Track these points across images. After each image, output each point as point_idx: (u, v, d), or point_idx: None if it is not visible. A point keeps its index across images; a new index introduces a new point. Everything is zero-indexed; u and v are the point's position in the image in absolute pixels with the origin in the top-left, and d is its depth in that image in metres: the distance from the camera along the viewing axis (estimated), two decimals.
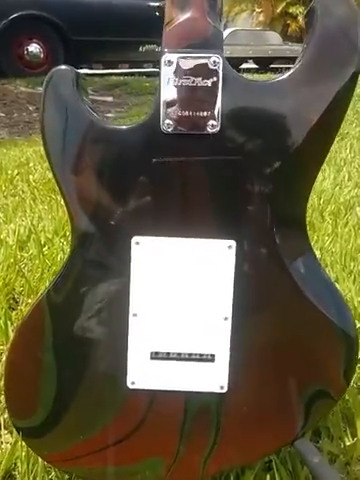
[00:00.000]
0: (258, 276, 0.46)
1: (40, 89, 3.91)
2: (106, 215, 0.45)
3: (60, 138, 0.45)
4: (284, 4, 12.16)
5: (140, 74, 5.73)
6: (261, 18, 12.62)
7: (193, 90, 0.43)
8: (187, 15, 0.43)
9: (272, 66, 7.65)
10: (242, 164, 0.44)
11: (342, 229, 1.33)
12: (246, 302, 0.46)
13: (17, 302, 1.02)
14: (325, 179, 1.82)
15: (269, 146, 0.44)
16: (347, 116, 3.28)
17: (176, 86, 0.43)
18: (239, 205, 0.45)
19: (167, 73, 0.43)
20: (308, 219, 1.38)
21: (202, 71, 0.43)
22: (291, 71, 0.44)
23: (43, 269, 1.08)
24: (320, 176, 1.85)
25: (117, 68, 6.10)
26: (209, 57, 0.43)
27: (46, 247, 1.15)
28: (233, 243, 0.45)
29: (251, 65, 8.04)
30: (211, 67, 0.43)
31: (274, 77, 0.45)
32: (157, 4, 6.14)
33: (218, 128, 0.43)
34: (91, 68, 6.05)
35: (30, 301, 1.00)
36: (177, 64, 0.43)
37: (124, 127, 0.45)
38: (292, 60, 6.62)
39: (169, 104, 0.43)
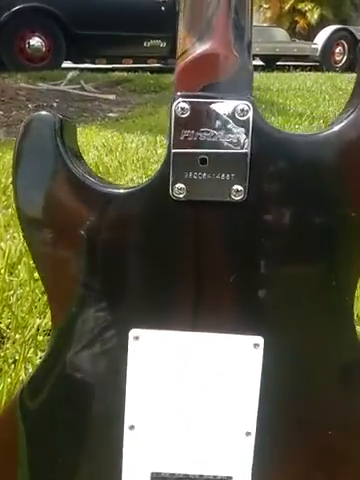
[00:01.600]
0: (292, 381, 0.36)
1: (41, 85, 3.79)
2: (97, 301, 0.35)
3: (38, 204, 0.35)
4: (292, 0, 11.98)
5: (144, 70, 5.60)
6: (268, 14, 12.45)
7: (213, 146, 0.32)
8: (206, 46, 0.32)
9: (279, 64, 7.51)
10: (274, 240, 0.34)
11: None
12: (275, 414, 0.36)
13: (3, 337, 0.92)
14: None
15: (310, 218, 0.34)
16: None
17: (191, 141, 0.33)
18: (270, 291, 0.35)
19: (179, 123, 0.33)
20: None
21: (226, 123, 0.32)
22: (342, 123, 0.34)
23: (33, 299, 0.98)
24: None
25: (121, 63, 5.97)
26: (235, 105, 0.32)
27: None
28: (260, 340, 0.35)
29: (258, 62, 7.91)
30: (238, 117, 0.32)
31: (320, 129, 0.35)
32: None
33: (245, 195, 0.33)
34: (94, 63, 5.92)
35: (18, 337, 0.90)
36: (192, 112, 0.32)
37: (122, 191, 0.34)
38: (299, 58, 6.50)
39: (181, 163, 0.33)
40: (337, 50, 8.15)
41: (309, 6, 12.11)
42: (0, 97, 3.35)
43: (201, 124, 0.32)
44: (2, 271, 1.06)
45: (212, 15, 0.32)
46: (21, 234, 1.27)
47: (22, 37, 5.38)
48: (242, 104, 0.32)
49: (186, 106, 0.32)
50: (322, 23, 11.53)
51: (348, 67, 8.03)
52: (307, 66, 7.01)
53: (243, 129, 0.32)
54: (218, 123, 0.32)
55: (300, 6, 12.27)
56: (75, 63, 5.88)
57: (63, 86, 4.20)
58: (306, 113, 3.22)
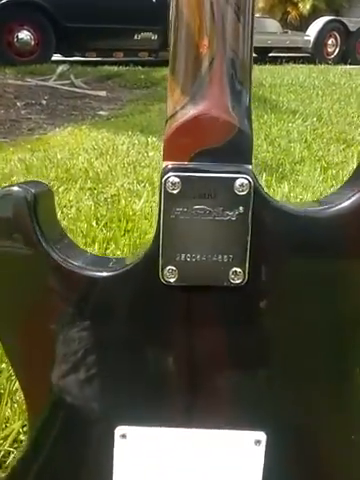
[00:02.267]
0: None
1: (29, 80, 3.70)
2: (79, 396, 0.31)
3: (9, 292, 0.31)
4: None
5: (135, 63, 5.51)
6: (261, 4, 12.32)
7: (209, 225, 0.28)
8: (199, 108, 0.28)
9: (271, 55, 7.44)
10: (276, 328, 0.30)
11: None
12: None
13: None
14: None
15: (318, 304, 0.30)
16: (352, 119, 3.13)
17: (182, 219, 0.29)
18: (273, 383, 0.31)
19: (170, 200, 0.29)
20: None
21: (223, 198, 0.28)
22: (353, 197, 0.30)
23: None
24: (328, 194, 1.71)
25: (111, 57, 5.88)
26: (234, 179, 0.28)
27: None
28: (262, 436, 0.31)
29: None
30: (237, 193, 0.28)
31: (329, 205, 0.31)
32: None
33: (245, 278, 0.29)
34: (84, 56, 5.82)
35: (4, 366, 0.86)
36: (185, 187, 0.28)
37: (106, 274, 0.30)
38: (292, 50, 6.44)
39: (172, 243, 0.29)
40: (329, 42, 8.09)
41: None
42: None
43: (195, 201, 0.28)
44: None
45: (206, 71, 0.28)
46: None
47: (10, 30, 5.27)
48: (241, 178, 0.28)
49: (177, 180, 0.28)
50: (314, 13, 11.44)
51: (340, 59, 7.98)
52: (299, 58, 6.95)
53: (242, 206, 0.28)
54: (214, 200, 0.28)
55: None
56: (65, 56, 5.77)
57: (52, 82, 4.12)
58: (299, 110, 3.17)
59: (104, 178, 1.78)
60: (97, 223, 1.40)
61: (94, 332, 0.30)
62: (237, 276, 0.29)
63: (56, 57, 5.67)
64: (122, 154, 2.08)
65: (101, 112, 3.20)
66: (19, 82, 3.93)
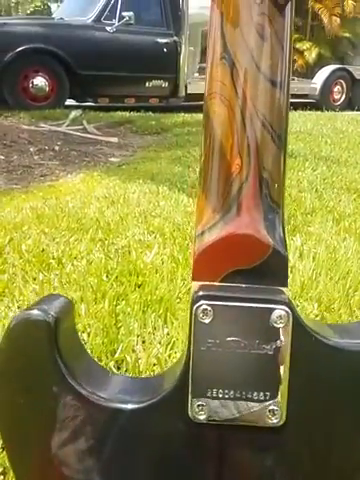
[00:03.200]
0: None
1: (43, 126, 3.80)
2: None
3: (27, 426, 0.28)
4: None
5: (146, 109, 5.66)
6: None
7: (243, 359, 0.26)
8: (231, 227, 0.27)
9: None
10: (316, 474, 0.27)
11: None
12: None
13: None
14: (346, 254, 1.65)
15: None
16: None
17: (215, 351, 0.26)
18: None
19: (201, 330, 0.27)
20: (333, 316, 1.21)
21: (259, 330, 0.26)
22: None
23: None
24: (341, 250, 1.69)
25: (123, 102, 6.05)
26: (271, 309, 0.26)
27: None
28: None
29: None
30: (274, 325, 0.26)
31: None
32: (165, 41, 6.12)
33: (282, 418, 0.26)
34: (97, 102, 6.00)
35: None
36: (217, 316, 0.26)
37: (130, 406, 0.28)
38: (299, 97, 6.58)
39: (203, 377, 0.26)
40: (336, 89, 8.31)
41: (307, 45, 12.41)
42: (1, 140, 3.34)
43: (228, 331, 0.26)
44: None
45: (239, 191, 0.27)
46: (16, 305, 1.21)
47: (26, 76, 5.47)
48: (279, 309, 0.26)
49: (209, 309, 0.26)
50: (320, 61, 11.79)
51: (347, 105, 8.16)
52: (306, 104, 7.10)
53: (280, 339, 0.26)
54: (249, 331, 0.26)
55: (298, 45, 12.57)
56: (78, 102, 5.95)
57: (65, 127, 4.22)
58: (309, 159, 3.20)
59: (115, 228, 1.78)
60: (107, 277, 1.38)
61: (118, 467, 0.27)
62: (274, 415, 0.26)
63: (69, 102, 5.84)
64: (133, 203, 2.09)
65: (113, 159, 3.25)
66: (33, 127, 4.03)
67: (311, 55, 12.51)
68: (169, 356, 1.02)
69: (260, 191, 0.27)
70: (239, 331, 0.26)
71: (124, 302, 1.23)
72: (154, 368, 0.97)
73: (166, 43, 6.20)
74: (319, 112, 6.43)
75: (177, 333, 1.10)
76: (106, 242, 1.64)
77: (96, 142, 3.76)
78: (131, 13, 5.68)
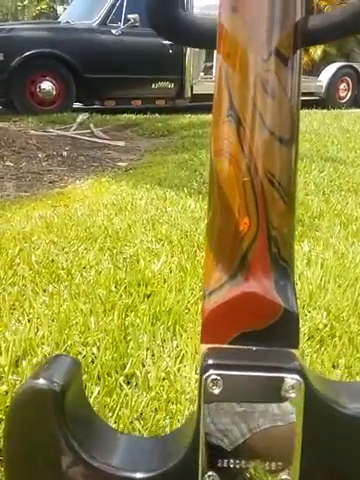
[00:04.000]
0: None
1: (51, 130, 3.81)
2: None
3: None
4: None
5: (152, 111, 5.67)
6: None
7: (254, 429, 0.27)
8: (240, 287, 0.27)
9: None
10: None
11: None
12: None
13: None
14: (354, 259, 1.65)
15: None
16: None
17: (225, 421, 0.27)
18: None
19: (211, 399, 0.27)
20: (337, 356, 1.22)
21: (269, 399, 0.26)
22: None
23: None
24: (350, 255, 1.69)
25: (130, 104, 6.06)
26: (283, 378, 0.26)
27: None
28: None
29: None
30: (286, 395, 0.26)
31: None
32: (171, 42, 6.12)
33: None
34: (103, 105, 6.01)
35: None
36: (227, 386, 0.27)
37: (139, 475, 0.28)
38: (305, 95, 6.55)
39: (213, 447, 0.27)
40: (341, 86, 8.25)
41: None
42: (10, 147, 3.37)
43: (239, 402, 0.27)
44: (6, 369, 1.01)
45: (248, 250, 0.27)
46: (27, 318, 1.22)
47: (33, 81, 5.50)
48: (291, 378, 0.26)
49: (218, 379, 0.27)
50: (325, 59, 11.72)
51: (353, 103, 8.10)
52: (312, 102, 7.05)
53: (292, 408, 0.26)
54: (260, 400, 0.26)
55: None
56: (85, 105, 5.97)
57: (73, 131, 4.24)
58: (315, 160, 3.19)
59: (123, 236, 1.79)
60: (116, 287, 1.40)
61: None
62: None
63: (76, 105, 5.87)
64: (141, 210, 2.10)
65: (120, 163, 3.26)
66: (41, 132, 4.05)
67: (316, 52, 12.43)
68: (178, 370, 1.03)
69: (269, 250, 0.27)
70: (250, 401, 0.27)
71: (133, 314, 1.25)
72: (163, 383, 0.98)
73: (171, 44, 6.19)
74: (325, 110, 6.39)
75: (186, 345, 1.11)
76: (114, 251, 1.66)
77: (104, 146, 3.78)
78: (136, 15, 5.68)
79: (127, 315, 1.25)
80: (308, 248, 1.75)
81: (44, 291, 1.38)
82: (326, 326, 1.24)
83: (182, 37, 0.32)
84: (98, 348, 1.10)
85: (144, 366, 1.07)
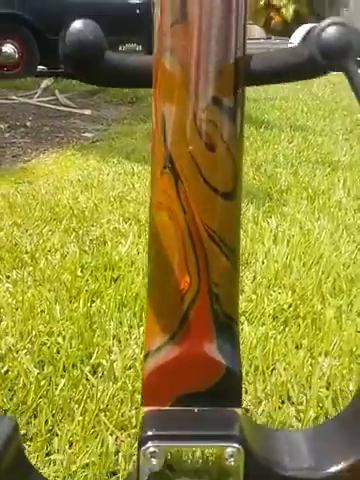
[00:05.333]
0: None
1: (14, 98, 3.65)
2: None
3: None
4: None
5: None
6: None
7: None
8: (181, 347, 0.26)
9: None
10: None
11: (347, 323, 1.19)
12: None
13: None
14: (319, 236, 1.67)
15: None
16: (337, 137, 3.12)
17: None
18: None
19: (150, 473, 0.26)
20: (307, 308, 1.24)
21: (210, 469, 0.26)
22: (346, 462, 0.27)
23: None
24: (315, 231, 1.71)
25: None
26: (222, 447, 0.26)
27: (4, 368, 0.98)
28: None
29: None
30: (226, 463, 0.26)
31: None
32: (137, 2, 5.89)
33: None
34: None
35: None
36: (165, 456, 0.26)
37: None
38: None
39: None
40: None
41: (284, 1, 12.07)
42: None
43: (179, 472, 0.26)
44: None
45: (189, 307, 0.26)
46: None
47: None
48: (231, 447, 0.26)
49: (157, 451, 0.26)
50: (297, 19, 11.52)
51: None
52: None
53: (233, 476, 0.26)
54: (201, 470, 0.26)
55: (275, 2, 12.23)
56: (49, 69, 5.73)
57: (37, 98, 4.08)
58: (284, 130, 3.18)
59: (89, 216, 1.76)
60: (82, 272, 1.38)
61: None
62: None
63: (41, 68, 5.63)
64: (108, 186, 2.06)
65: (87, 134, 3.17)
66: (3, 100, 3.89)
67: (288, 11, 12.20)
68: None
69: (211, 308, 0.26)
70: (191, 472, 0.26)
71: (99, 300, 1.24)
72: (129, 372, 0.99)
73: (138, 4, 5.95)
74: None
75: None
76: (80, 232, 1.63)
77: (69, 115, 3.66)
78: None
79: (93, 301, 1.24)
80: (275, 224, 1.76)
81: (7, 278, 1.35)
82: (291, 306, 1.27)
83: (115, 80, 0.30)
84: (64, 338, 1.09)
85: (111, 353, 1.07)
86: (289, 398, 0.95)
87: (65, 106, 3.90)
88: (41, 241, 1.55)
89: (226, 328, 0.27)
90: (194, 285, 0.26)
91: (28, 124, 3.29)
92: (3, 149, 2.75)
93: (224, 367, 0.26)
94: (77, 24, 0.26)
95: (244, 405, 0.95)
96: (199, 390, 0.26)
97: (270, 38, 9.40)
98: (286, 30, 10.81)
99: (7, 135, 3.03)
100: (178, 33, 0.26)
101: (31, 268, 1.39)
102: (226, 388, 0.26)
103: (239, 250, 0.28)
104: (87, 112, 3.76)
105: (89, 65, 0.26)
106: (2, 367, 1.00)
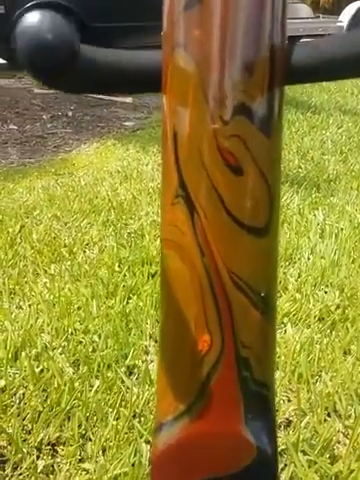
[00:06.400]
0: None
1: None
2: None
3: None
4: None
5: None
6: None
7: None
8: (200, 421, 0.21)
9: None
10: None
11: None
12: None
13: (3, 456, 0.84)
14: None
15: None
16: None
17: None
18: None
19: None
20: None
21: None
22: None
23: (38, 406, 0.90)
24: (355, 236, 1.59)
25: None
26: None
27: (39, 368, 0.96)
28: None
29: None
30: None
31: None
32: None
33: None
34: None
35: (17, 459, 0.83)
36: None
37: None
38: (323, 37, 6.27)
39: None
40: None
41: None
42: (14, 108, 3.26)
43: None
44: (4, 362, 0.98)
45: (210, 373, 0.20)
46: (27, 303, 1.19)
47: None
48: None
49: None
50: None
51: None
52: None
53: None
54: None
55: None
56: None
57: None
58: (333, 114, 3.02)
59: (128, 209, 1.72)
60: (119, 266, 1.35)
61: None
62: None
63: None
64: (147, 177, 2.02)
65: (127, 123, 3.13)
66: (45, 90, 3.91)
67: None
68: None
69: (238, 374, 0.20)
70: None
71: (136, 297, 1.20)
72: None
73: None
74: None
75: None
76: (118, 225, 1.59)
77: (110, 103, 3.63)
78: None
79: (130, 298, 1.20)
80: (323, 217, 1.66)
81: (45, 272, 1.34)
82: (338, 307, 1.18)
83: (100, 86, 0.23)
84: (99, 336, 1.06)
85: (147, 353, 1.03)
86: (336, 411, 0.88)
87: (106, 94, 3.87)
88: (79, 234, 1.53)
89: (257, 399, 0.20)
90: (216, 346, 0.20)
91: (70, 114, 3.29)
92: (45, 139, 2.76)
93: (255, 448, 0.20)
94: (32, 17, 0.19)
95: (286, 416, 0.88)
96: (224, 475, 0.20)
97: (318, 17, 9.00)
98: (336, 8, 10.35)
99: (49, 125, 3.05)
100: (193, 19, 0.19)
101: (69, 262, 1.37)
102: (257, 475, 0.20)
103: (275, 301, 0.21)
104: (128, 100, 3.72)
105: (56, 73, 0.20)
106: (37, 366, 0.98)
